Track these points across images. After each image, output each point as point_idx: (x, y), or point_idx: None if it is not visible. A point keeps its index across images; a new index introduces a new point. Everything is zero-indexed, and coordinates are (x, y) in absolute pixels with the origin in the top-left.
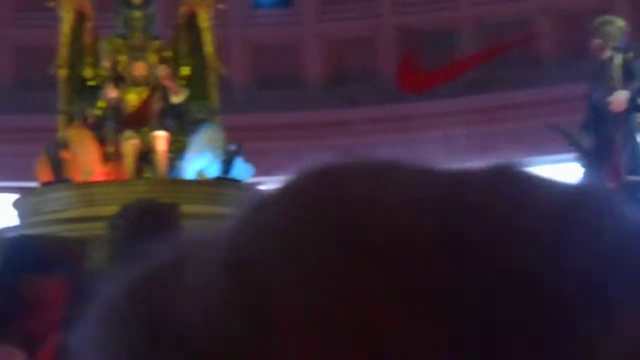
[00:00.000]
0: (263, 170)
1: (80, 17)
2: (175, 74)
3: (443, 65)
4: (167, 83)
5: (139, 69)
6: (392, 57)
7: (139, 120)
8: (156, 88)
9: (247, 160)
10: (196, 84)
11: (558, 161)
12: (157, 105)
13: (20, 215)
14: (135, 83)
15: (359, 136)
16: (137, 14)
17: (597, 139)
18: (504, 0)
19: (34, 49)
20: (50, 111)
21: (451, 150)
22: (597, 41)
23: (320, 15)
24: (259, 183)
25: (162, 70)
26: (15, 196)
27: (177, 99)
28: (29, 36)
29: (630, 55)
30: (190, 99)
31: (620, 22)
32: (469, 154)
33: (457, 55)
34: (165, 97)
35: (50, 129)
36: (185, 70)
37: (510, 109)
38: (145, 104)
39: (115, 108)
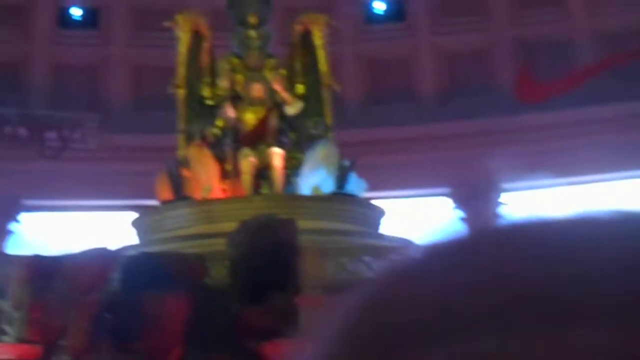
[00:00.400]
0: (377, 184)
1: (197, 37)
2: (291, 92)
3: (561, 76)
4: (281, 92)
5: (257, 90)
6: (509, 68)
7: (256, 138)
8: (272, 107)
9: (361, 175)
10: (311, 101)
11: None
12: (274, 124)
13: (140, 233)
14: (252, 103)
15: (475, 148)
16: (253, 33)
17: None
18: (620, 10)
19: (151, 69)
20: (168, 130)
21: (576, 161)
22: None
23: (434, 28)
24: (373, 198)
25: (275, 80)
26: (133, 215)
27: (291, 110)
28: (146, 56)
29: None
30: (305, 115)
31: None
32: (593, 164)
33: (574, 66)
34: (281, 116)
35: (167, 148)
36: (300, 88)
37: (636, 117)
38: (262, 123)
39: (233, 127)
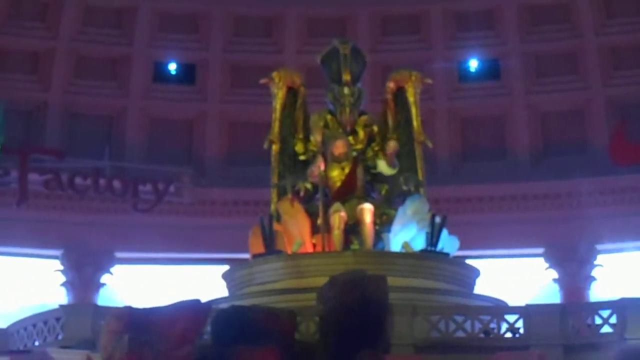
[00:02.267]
0: (469, 242)
1: (291, 93)
2: (383, 148)
3: None
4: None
5: (339, 147)
6: (603, 128)
7: (346, 194)
8: (358, 160)
9: (453, 232)
10: (403, 157)
11: None
12: (361, 178)
13: (230, 286)
14: (337, 160)
15: (569, 209)
16: (346, 90)
17: None
18: None
19: (245, 124)
20: (261, 185)
21: None
22: None
23: (529, 87)
24: (465, 256)
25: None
26: (224, 268)
27: (389, 171)
28: (241, 111)
29: None
30: (397, 171)
31: None
32: None
33: None
34: (368, 169)
35: (261, 202)
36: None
37: None
38: (350, 177)
39: (324, 182)
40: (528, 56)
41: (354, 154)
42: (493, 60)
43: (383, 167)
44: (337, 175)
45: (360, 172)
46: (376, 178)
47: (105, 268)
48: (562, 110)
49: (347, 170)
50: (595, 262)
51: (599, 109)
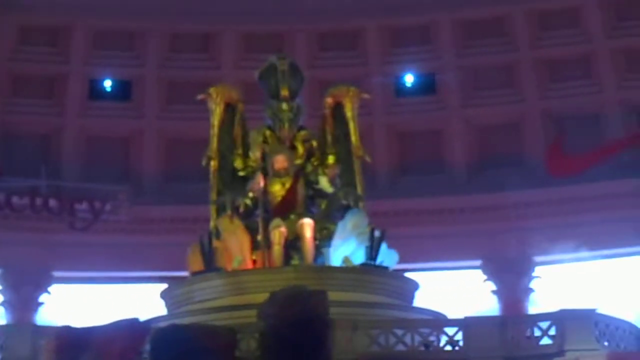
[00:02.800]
0: (408, 256)
1: (229, 109)
2: (322, 163)
3: (591, 149)
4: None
5: (279, 161)
6: (540, 141)
7: (286, 209)
8: (298, 176)
9: (392, 246)
10: (342, 172)
11: None
12: (301, 193)
13: (169, 305)
14: (277, 175)
15: (506, 221)
16: (284, 106)
17: None
18: None
19: (182, 141)
20: (200, 202)
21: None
22: None
23: (464, 101)
24: (404, 269)
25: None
26: (163, 286)
27: (330, 189)
28: (178, 128)
29: None
30: (336, 186)
31: None
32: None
33: (604, 139)
34: (309, 184)
35: (199, 219)
36: (331, 159)
37: None
38: (290, 193)
39: (264, 198)
40: (464, 70)
41: (294, 168)
42: (429, 74)
43: (324, 184)
44: (277, 190)
45: (301, 187)
46: (317, 193)
47: (43, 287)
48: (499, 124)
49: (287, 186)
50: (533, 274)
51: (534, 122)
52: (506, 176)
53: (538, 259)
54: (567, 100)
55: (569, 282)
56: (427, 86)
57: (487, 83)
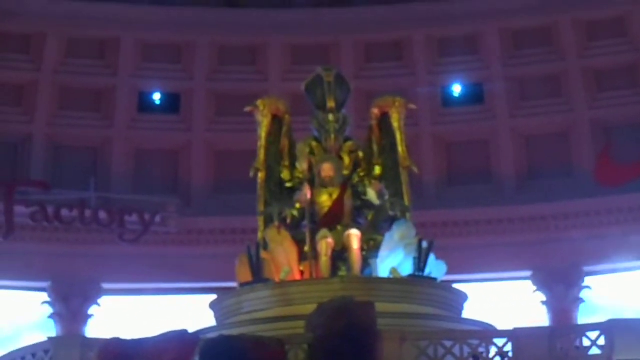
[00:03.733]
0: (456, 267)
1: (276, 121)
2: (369, 174)
3: None
4: (378, 193)
5: (326, 170)
6: (588, 151)
7: (333, 220)
8: (345, 186)
9: (440, 257)
10: (388, 182)
11: None
12: (349, 204)
13: (218, 316)
14: (324, 184)
15: (555, 231)
16: (331, 117)
17: None
18: None
19: (231, 153)
20: (248, 213)
21: None
22: None
23: (512, 111)
24: (452, 280)
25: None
26: (211, 297)
27: (377, 201)
28: (227, 140)
29: None
30: (383, 197)
31: None
32: None
33: None
34: (356, 195)
35: (247, 231)
36: (377, 170)
37: None
38: (337, 203)
39: (311, 209)
40: (511, 80)
41: (342, 179)
42: (476, 84)
43: (372, 196)
44: (324, 201)
45: (348, 198)
46: (364, 204)
47: (92, 299)
48: (547, 133)
49: (334, 196)
50: (583, 284)
51: (583, 131)
52: (555, 186)
53: (588, 269)
54: (615, 109)
55: (619, 292)
56: (474, 96)
57: (534, 93)
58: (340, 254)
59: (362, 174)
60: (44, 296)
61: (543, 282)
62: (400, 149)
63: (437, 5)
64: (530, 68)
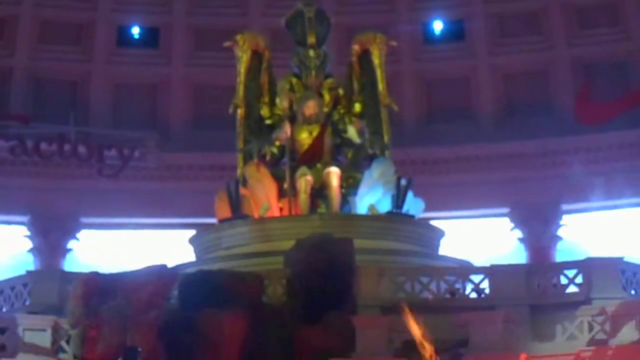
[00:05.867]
0: (434, 204)
1: (256, 57)
2: (349, 111)
3: (620, 97)
4: (358, 132)
5: (310, 107)
6: (568, 89)
7: (313, 157)
8: (326, 124)
9: (419, 194)
10: (368, 120)
11: None
12: (328, 142)
13: (197, 251)
14: (307, 121)
15: (533, 169)
16: (311, 53)
17: None
18: None
19: (210, 88)
20: (227, 149)
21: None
22: None
23: (492, 48)
24: (430, 218)
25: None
26: (191, 232)
27: (358, 139)
28: (206, 75)
29: None
30: (362, 134)
31: None
32: None
33: (632, 85)
34: (336, 132)
35: (227, 167)
36: (357, 107)
37: None
38: (317, 141)
39: (291, 146)
40: (492, 17)
41: (322, 116)
42: (457, 21)
43: (353, 133)
44: (304, 138)
45: (328, 135)
46: (344, 142)
47: (71, 233)
48: (526, 71)
49: (314, 134)
50: (561, 222)
51: (562, 69)
52: (534, 124)
53: (565, 207)
54: (594, 47)
55: (597, 230)
56: (455, 33)
57: (514, 30)
58: (320, 191)
59: (342, 112)
60: (24, 230)
61: (520, 219)
62: (380, 86)
63: None
64: (510, 4)
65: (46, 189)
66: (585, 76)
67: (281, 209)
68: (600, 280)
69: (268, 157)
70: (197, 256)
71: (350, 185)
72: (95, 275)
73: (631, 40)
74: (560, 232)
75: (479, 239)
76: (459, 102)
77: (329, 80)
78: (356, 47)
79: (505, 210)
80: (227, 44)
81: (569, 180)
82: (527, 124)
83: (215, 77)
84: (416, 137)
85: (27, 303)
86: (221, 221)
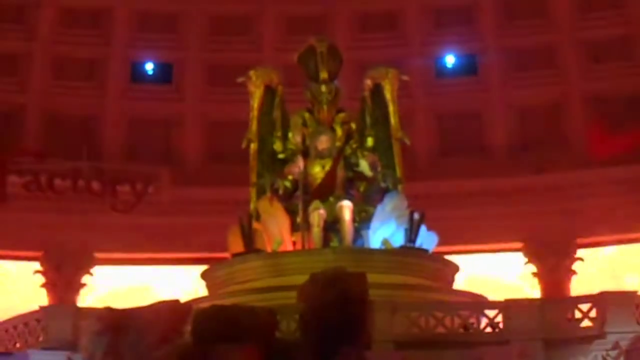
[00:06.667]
0: (448, 238)
1: (269, 92)
2: (361, 146)
3: (634, 130)
4: (371, 165)
5: (322, 142)
6: (581, 122)
7: (325, 191)
8: (338, 158)
9: (432, 228)
10: (381, 154)
11: None
12: (341, 175)
13: (210, 286)
14: (319, 155)
15: (547, 203)
16: (323, 88)
17: None
18: None
19: (224, 123)
20: (240, 184)
21: None
22: None
23: (506, 82)
24: (444, 252)
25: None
26: (203, 267)
27: (370, 173)
28: (219, 110)
29: None
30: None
31: None
32: None
33: None
34: (348, 166)
35: (240, 201)
36: (369, 141)
37: None
38: (329, 175)
39: (303, 180)
40: (505, 51)
41: (335, 150)
42: (470, 55)
43: (365, 167)
44: (317, 172)
45: (340, 169)
46: (357, 175)
47: (85, 269)
48: (540, 105)
49: (327, 168)
50: (575, 256)
51: (576, 103)
52: (547, 158)
53: (580, 240)
54: (608, 81)
55: (611, 264)
56: (468, 67)
57: (528, 64)
58: (332, 225)
59: (354, 146)
60: (37, 265)
61: (534, 253)
62: (392, 120)
63: None
64: (524, 39)
65: (60, 224)
66: (599, 110)
67: (294, 243)
68: (614, 315)
69: (281, 191)
70: (210, 291)
71: (363, 219)
72: (108, 310)
73: None
74: (574, 267)
75: (493, 273)
76: (472, 135)
77: (342, 115)
78: (368, 82)
79: (519, 244)
80: (240, 79)
81: (583, 214)
82: (541, 158)
83: (228, 113)
84: (429, 171)
85: (41, 339)
86: (234, 256)
